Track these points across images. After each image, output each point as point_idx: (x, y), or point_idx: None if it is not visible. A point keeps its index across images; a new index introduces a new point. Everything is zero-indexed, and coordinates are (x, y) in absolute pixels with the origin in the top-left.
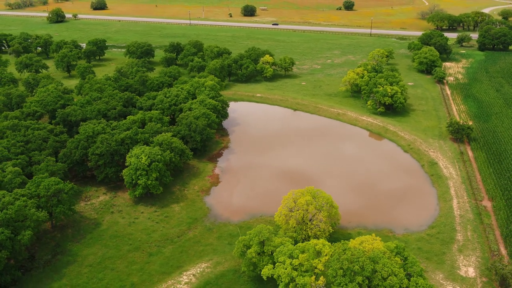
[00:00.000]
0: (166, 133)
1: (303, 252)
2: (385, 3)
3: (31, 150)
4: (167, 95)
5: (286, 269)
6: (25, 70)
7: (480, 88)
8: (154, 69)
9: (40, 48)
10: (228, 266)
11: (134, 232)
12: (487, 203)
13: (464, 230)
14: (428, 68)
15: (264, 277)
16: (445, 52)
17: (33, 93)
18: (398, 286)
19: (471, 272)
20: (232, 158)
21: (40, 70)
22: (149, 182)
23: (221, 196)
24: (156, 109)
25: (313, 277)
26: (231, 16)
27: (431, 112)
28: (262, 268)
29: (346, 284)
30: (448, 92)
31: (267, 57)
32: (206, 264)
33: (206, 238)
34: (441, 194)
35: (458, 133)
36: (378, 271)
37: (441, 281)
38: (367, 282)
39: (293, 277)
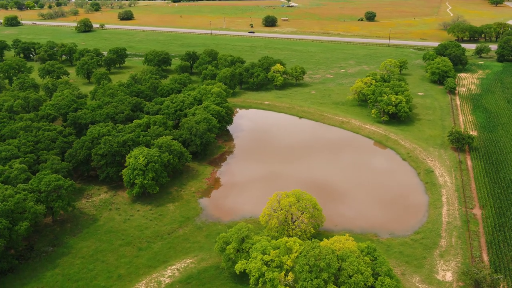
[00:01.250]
0: (167, 136)
1: (275, 248)
2: (408, 14)
3: (40, 150)
4: (173, 101)
5: (257, 264)
6: (47, 76)
7: (491, 99)
8: (168, 76)
9: (64, 56)
10: (211, 262)
11: (128, 228)
12: (477, 211)
13: (449, 236)
14: (440, 79)
15: (237, 272)
16: (461, 63)
17: (51, 98)
18: (363, 283)
19: (448, 276)
20: (231, 162)
21: (61, 76)
22: (146, 181)
23: (215, 198)
24: (162, 114)
25: (283, 272)
26: (252, 27)
27: (437, 122)
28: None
29: (311, 280)
30: (458, 103)
31: (278, 66)
32: (191, 260)
33: (195, 236)
34: (433, 201)
35: (459, 142)
36: (344, 269)
37: (417, 284)
38: (333, 278)
39: (263, 272)
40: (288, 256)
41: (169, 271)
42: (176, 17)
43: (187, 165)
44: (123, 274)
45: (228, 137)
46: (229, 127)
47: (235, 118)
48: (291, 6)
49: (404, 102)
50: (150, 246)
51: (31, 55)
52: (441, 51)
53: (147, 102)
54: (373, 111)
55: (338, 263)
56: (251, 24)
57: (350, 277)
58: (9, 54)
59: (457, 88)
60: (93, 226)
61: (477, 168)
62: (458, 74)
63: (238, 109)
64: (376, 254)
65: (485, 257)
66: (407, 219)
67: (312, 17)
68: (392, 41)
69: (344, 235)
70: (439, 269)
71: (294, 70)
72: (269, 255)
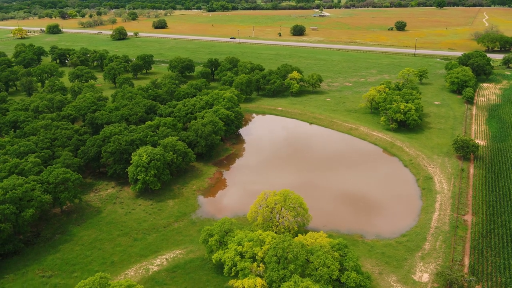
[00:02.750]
0: (173, 137)
1: (250, 241)
2: (441, 24)
3: (56, 146)
4: (185, 104)
5: (230, 254)
6: (76, 80)
7: (509, 109)
8: (187, 81)
9: (96, 62)
10: (198, 254)
11: (128, 220)
12: (468, 218)
13: (434, 240)
14: (459, 88)
15: (214, 261)
16: (484, 73)
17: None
18: (328, 276)
19: (425, 277)
20: (235, 164)
21: (89, 80)
22: (147, 178)
23: (213, 196)
24: (174, 116)
25: (255, 263)
26: (280, 36)
27: (447, 131)
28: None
29: (278, 270)
30: (474, 112)
31: (294, 74)
32: (180, 251)
33: (188, 230)
34: (426, 206)
35: (463, 150)
36: (311, 262)
37: (392, 283)
38: (300, 270)
39: (235, 262)
40: (260, 248)
41: (158, 260)
42: (208, 26)
43: (192, 165)
44: (116, 261)
45: (236, 140)
46: (240, 131)
47: (246, 122)
48: (323, 15)
49: (413, 110)
50: (145, 237)
51: (66, 61)
52: (464, 60)
53: (161, 105)
54: (382, 118)
55: (306, 256)
56: (279, 33)
57: (316, 269)
58: (47, 60)
59: (476, 98)
60: (97, 217)
61: (478, 176)
62: (481, 84)
63: (254, 115)
64: (346, 250)
65: (467, 261)
66: (397, 222)
67: (342, 27)
68: (419, 51)
69: (319, 232)
70: (417, 270)
71: (311, 77)
72: (243, 246)
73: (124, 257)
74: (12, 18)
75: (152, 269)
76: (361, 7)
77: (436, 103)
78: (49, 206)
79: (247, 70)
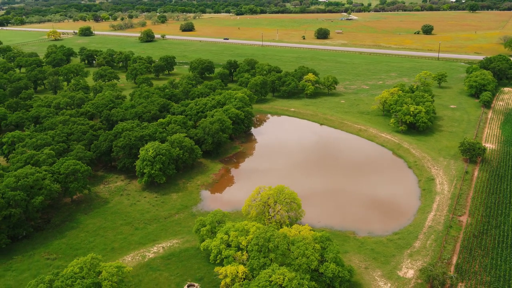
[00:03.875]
0: (180, 134)
1: (236, 230)
2: (471, 28)
3: (71, 140)
4: (197, 103)
5: (216, 242)
6: (100, 80)
7: None
8: (203, 82)
9: (121, 63)
10: (194, 244)
11: (132, 211)
12: (464, 218)
13: (426, 239)
14: (477, 92)
15: (202, 249)
16: (506, 77)
17: None
18: (306, 266)
19: (410, 274)
20: (242, 161)
21: (112, 80)
22: (153, 171)
23: (216, 191)
24: (186, 115)
25: (239, 252)
26: (304, 39)
27: (458, 134)
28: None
29: (259, 258)
30: (489, 116)
31: (310, 76)
32: (177, 241)
33: (187, 222)
34: (423, 207)
35: (469, 153)
36: (292, 252)
37: (376, 277)
38: (280, 259)
39: (220, 250)
40: (245, 237)
41: (155, 248)
42: (234, 29)
43: (199, 161)
44: (116, 247)
45: (246, 139)
46: (251, 130)
47: (259, 122)
48: (350, 19)
49: (423, 113)
50: (146, 227)
51: (93, 61)
52: (485, 64)
53: (174, 104)
54: (391, 120)
55: (287, 246)
56: (303, 36)
57: (296, 259)
58: (76, 60)
59: (494, 102)
60: (103, 207)
61: (481, 179)
62: (502, 88)
63: (267, 115)
64: (327, 243)
65: (455, 260)
66: (391, 221)
67: (368, 30)
68: (443, 55)
69: (304, 225)
70: (403, 266)
71: (326, 79)
72: (229, 236)
73: (124, 244)
74: (48, 21)
75: (149, 256)
76: (391, 11)
77: (451, 106)
78: (58, 194)
79: (265, 72)
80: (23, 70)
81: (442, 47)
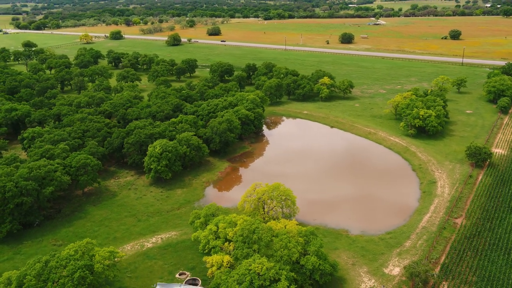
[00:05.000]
0: (189, 132)
1: (225, 222)
2: (502, 33)
3: (87, 137)
4: (209, 104)
5: (205, 233)
6: (122, 81)
7: None
8: (218, 83)
9: (145, 65)
10: (191, 236)
11: (137, 204)
12: (460, 221)
13: (417, 239)
14: (496, 98)
15: (192, 239)
16: None
17: None
18: (287, 257)
19: (396, 271)
20: (248, 161)
21: (134, 81)
22: (159, 167)
23: (219, 187)
24: (198, 115)
25: (227, 243)
26: (328, 43)
27: (469, 139)
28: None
29: (243, 249)
30: (504, 122)
31: (325, 79)
32: (175, 233)
33: (188, 216)
34: (420, 208)
35: (474, 157)
36: (275, 243)
37: (361, 273)
38: (263, 250)
39: (208, 240)
40: (232, 229)
41: (154, 238)
42: (260, 34)
43: (207, 159)
44: (118, 237)
45: (256, 139)
46: (262, 131)
47: (270, 124)
48: (378, 24)
49: (433, 117)
50: (148, 219)
51: (119, 64)
52: (507, 70)
53: (187, 104)
54: (401, 124)
55: (271, 239)
56: (327, 41)
57: (277, 251)
58: (104, 63)
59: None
60: (111, 200)
61: (484, 183)
62: None
63: (280, 117)
64: (311, 237)
65: (442, 260)
66: (386, 221)
67: (394, 35)
68: (468, 60)
69: (292, 220)
70: (390, 264)
71: (342, 83)
72: (218, 227)
73: (126, 234)
74: (83, 25)
75: (147, 245)
76: (421, 16)
77: (467, 111)
78: (68, 186)
79: (282, 75)
80: (53, 71)
81: (469, 52)
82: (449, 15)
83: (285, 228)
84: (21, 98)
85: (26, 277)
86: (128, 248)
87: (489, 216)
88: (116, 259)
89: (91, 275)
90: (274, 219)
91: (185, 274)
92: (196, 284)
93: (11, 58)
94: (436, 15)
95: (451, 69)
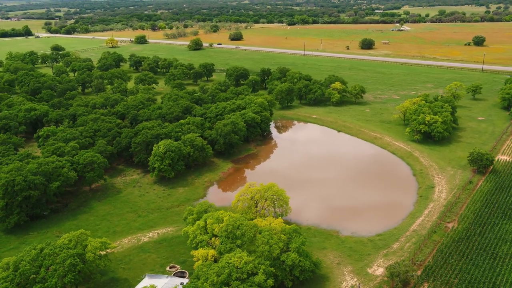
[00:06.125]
0: (194, 133)
1: (212, 218)
2: None
3: (98, 136)
4: (217, 107)
5: (193, 228)
6: (140, 84)
7: None
8: (230, 87)
9: (164, 69)
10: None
11: (139, 201)
12: (451, 225)
13: (406, 241)
14: (510, 105)
15: (182, 233)
16: None
17: None
18: (268, 253)
19: (379, 271)
20: (252, 162)
21: (151, 84)
22: (162, 166)
23: (220, 187)
24: (205, 117)
25: (214, 238)
26: (348, 49)
27: (476, 145)
28: None
29: (227, 244)
30: None
31: (336, 84)
32: (171, 228)
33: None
34: (414, 212)
35: (476, 163)
36: (257, 239)
37: (345, 272)
38: (246, 246)
39: (196, 235)
40: (218, 225)
41: (151, 233)
42: (281, 39)
43: (211, 160)
44: (118, 231)
45: (262, 141)
46: (269, 134)
47: (278, 127)
48: (402, 30)
49: (439, 123)
50: (148, 215)
51: (140, 67)
52: None
53: (197, 106)
54: (407, 129)
55: (254, 235)
56: (347, 46)
57: (258, 246)
58: (125, 66)
59: None
60: (115, 196)
61: (483, 189)
62: None
63: (289, 121)
64: (294, 234)
65: (427, 262)
66: (378, 224)
67: (416, 41)
68: (489, 66)
69: (278, 218)
70: (375, 264)
71: (354, 88)
72: (206, 223)
73: (125, 229)
74: (111, 29)
75: (143, 239)
76: (448, 22)
77: (479, 118)
78: (74, 182)
79: (295, 80)
80: (76, 74)
81: (491, 59)
82: (477, 21)
83: (270, 225)
84: (42, 98)
85: (21, 262)
86: (126, 241)
87: (481, 221)
88: (108, 250)
89: (83, 263)
90: (265, 218)
91: (175, 267)
92: (184, 277)
93: (39, 61)
94: (463, 21)
95: (470, 75)
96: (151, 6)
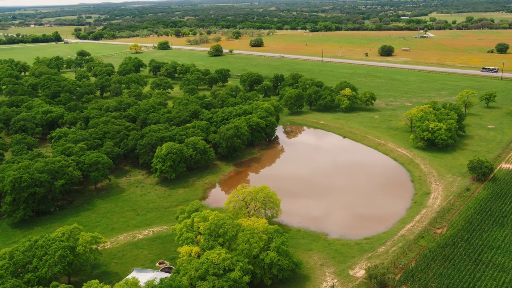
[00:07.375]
0: (197, 137)
1: (199, 217)
2: None
3: (107, 138)
4: (224, 111)
5: (180, 226)
6: (156, 88)
7: None
8: (240, 92)
9: (182, 74)
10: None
11: (140, 200)
12: (440, 231)
13: (392, 245)
14: None
15: (171, 231)
16: None
17: None
18: (247, 251)
19: (360, 273)
20: (254, 166)
21: (167, 89)
22: (163, 167)
23: (219, 189)
24: (212, 122)
25: (199, 236)
26: (366, 55)
27: (480, 153)
28: None
29: (209, 241)
30: None
31: (346, 90)
32: (166, 227)
33: None
34: (405, 218)
35: (475, 171)
36: (238, 238)
37: (326, 273)
38: (227, 244)
39: (182, 232)
40: (204, 223)
41: (146, 231)
42: (302, 45)
43: (214, 163)
44: (116, 228)
45: (267, 146)
46: (276, 139)
47: (286, 132)
48: (425, 36)
49: (443, 130)
50: (146, 214)
51: (158, 72)
52: None
53: (205, 111)
54: (411, 136)
55: (235, 233)
56: (366, 53)
57: (239, 245)
58: (145, 71)
59: None
60: (118, 195)
61: (478, 197)
62: None
63: (296, 126)
64: (275, 234)
65: (409, 266)
66: (368, 228)
67: (437, 48)
68: (508, 74)
69: (262, 219)
70: (357, 267)
71: (363, 95)
72: (193, 221)
73: (123, 226)
74: (136, 35)
75: (138, 236)
76: (475, 29)
77: (489, 126)
78: (79, 180)
79: (307, 86)
80: (97, 78)
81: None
82: (504, 27)
83: (253, 225)
84: (60, 101)
85: (16, 252)
86: (122, 238)
87: (471, 227)
88: (100, 244)
89: (73, 256)
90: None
91: (165, 263)
92: (170, 272)
93: (64, 66)
94: (491, 28)
95: (489, 83)
96: (178, 13)
